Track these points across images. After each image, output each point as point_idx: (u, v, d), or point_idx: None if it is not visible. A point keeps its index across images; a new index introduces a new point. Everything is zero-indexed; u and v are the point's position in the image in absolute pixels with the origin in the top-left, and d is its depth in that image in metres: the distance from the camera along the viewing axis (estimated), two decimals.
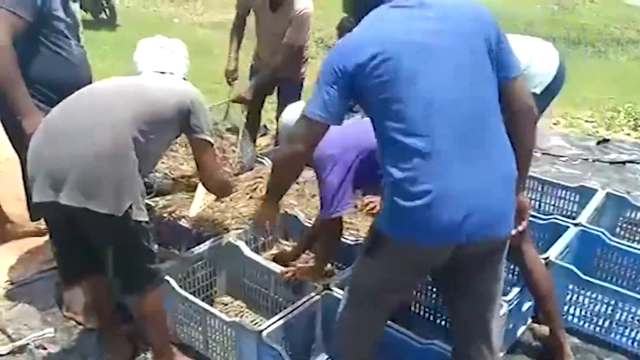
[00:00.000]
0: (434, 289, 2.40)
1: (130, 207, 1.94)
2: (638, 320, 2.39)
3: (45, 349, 2.43)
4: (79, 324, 2.55)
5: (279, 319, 2.13)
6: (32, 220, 2.87)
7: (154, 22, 8.39)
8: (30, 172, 2.01)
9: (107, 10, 8.11)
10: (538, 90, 2.52)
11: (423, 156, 1.52)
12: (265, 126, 4.41)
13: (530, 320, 2.55)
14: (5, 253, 3.06)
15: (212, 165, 2.28)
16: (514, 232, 1.72)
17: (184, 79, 2.30)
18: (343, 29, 3.36)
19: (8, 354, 2.38)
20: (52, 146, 1.97)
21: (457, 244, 1.58)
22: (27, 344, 2.43)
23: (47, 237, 3.05)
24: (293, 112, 2.21)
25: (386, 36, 1.56)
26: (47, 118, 2.08)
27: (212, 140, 2.23)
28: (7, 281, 2.86)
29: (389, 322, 2.07)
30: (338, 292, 2.22)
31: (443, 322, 2.42)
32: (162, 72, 2.24)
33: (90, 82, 2.47)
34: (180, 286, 2.36)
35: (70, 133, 1.96)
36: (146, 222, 2.03)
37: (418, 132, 1.53)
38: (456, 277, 1.73)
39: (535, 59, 2.51)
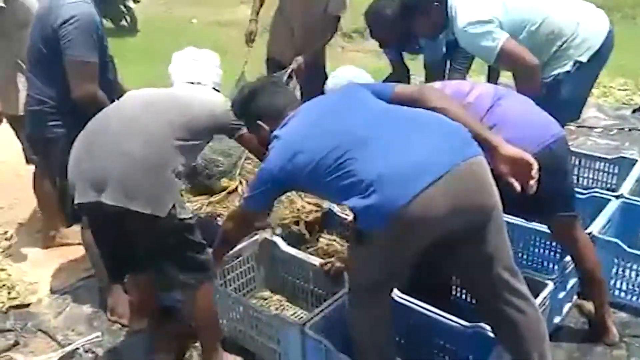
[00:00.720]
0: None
1: (174, 206, 2.01)
2: None
3: (93, 352, 2.48)
4: (125, 326, 2.60)
5: (321, 311, 2.13)
6: (66, 226, 2.93)
7: (172, 25, 8.45)
8: (71, 178, 2.10)
9: (127, 17, 8.24)
10: (584, 58, 2.47)
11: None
12: None
13: (576, 297, 2.51)
14: (47, 262, 3.13)
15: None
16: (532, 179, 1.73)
17: (216, 89, 2.39)
18: None
19: (59, 359, 2.44)
20: (92, 154, 2.07)
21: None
22: (77, 348, 2.49)
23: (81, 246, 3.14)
24: (349, 72, 2.42)
25: None
26: (86, 128, 2.16)
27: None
28: (51, 289, 2.93)
29: (431, 307, 2.08)
30: None
31: None
32: (193, 83, 2.33)
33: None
34: (221, 284, 2.39)
35: (110, 140, 2.05)
36: (190, 218, 2.10)
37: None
38: (458, 250, 1.75)
39: (582, 25, 2.45)
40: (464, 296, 2.45)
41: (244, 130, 2.25)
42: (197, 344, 2.39)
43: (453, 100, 1.87)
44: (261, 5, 3.91)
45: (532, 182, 1.76)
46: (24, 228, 3.45)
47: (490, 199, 1.69)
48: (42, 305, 2.81)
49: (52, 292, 2.91)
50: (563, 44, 2.50)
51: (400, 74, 3.44)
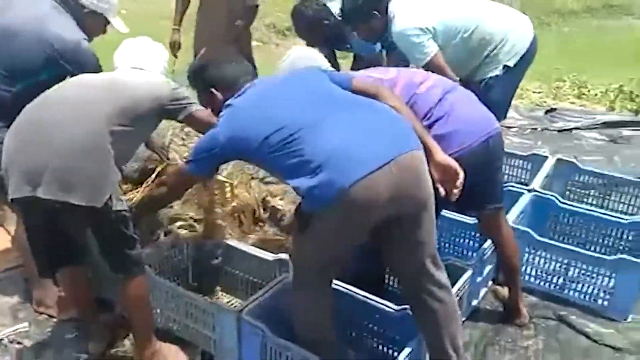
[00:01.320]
0: None
1: (110, 198, 1.98)
2: (589, 276, 2.57)
3: (20, 343, 2.42)
4: (52, 317, 2.56)
5: (257, 298, 2.20)
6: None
7: None
8: (5, 168, 2.03)
9: None
10: (512, 63, 2.68)
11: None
12: None
13: (491, 282, 2.71)
14: None
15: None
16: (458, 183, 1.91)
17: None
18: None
19: None
20: (26, 146, 2.00)
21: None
22: (1, 339, 2.43)
23: (9, 236, 3.04)
24: (303, 52, 2.43)
25: None
26: (20, 117, 2.09)
27: (196, 105, 2.27)
28: None
29: (364, 293, 2.19)
30: None
31: None
32: (137, 69, 2.28)
33: None
34: (157, 273, 2.40)
35: (45, 129, 1.99)
36: (125, 210, 2.08)
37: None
38: (391, 236, 1.87)
39: (511, 32, 2.64)
40: (397, 284, 2.58)
41: (192, 109, 2.23)
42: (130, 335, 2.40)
43: (403, 102, 2.00)
44: (183, 13, 3.91)
45: (455, 190, 1.93)
46: None
47: (425, 191, 1.82)
48: None
49: None
50: (494, 49, 2.72)
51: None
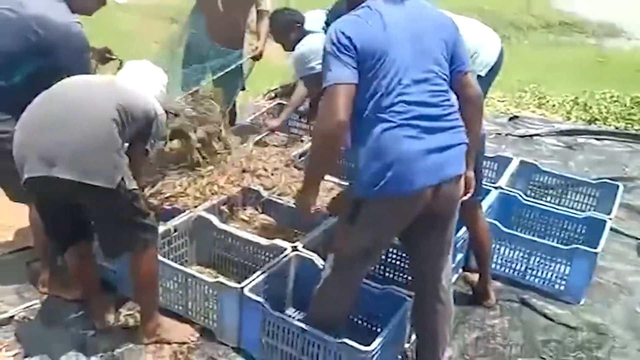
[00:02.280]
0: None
1: (122, 179, 2.16)
2: (547, 264, 2.90)
3: (30, 320, 2.57)
4: (58, 297, 2.69)
5: (257, 277, 2.43)
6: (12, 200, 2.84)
7: None
8: (21, 153, 2.16)
9: None
10: (483, 73, 2.93)
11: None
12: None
13: (461, 270, 3.02)
14: None
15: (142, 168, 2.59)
16: (464, 197, 2.13)
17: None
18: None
19: None
20: (42, 131, 2.14)
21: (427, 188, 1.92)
22: (12, 316, 2.57)
23: (10, 221, 3.18)
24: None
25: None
26: (32, 107, 2.23)
27: (150, 152, 2.53)
28: None
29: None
30: (306, 253, 2.55)
31: (392, 276, 2.82)
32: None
33: None
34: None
35: (56, 117, 2.14)
36: (136, 188, 2.26)
37: None
38: (420, 231, 2.08)
39: (482, 44, 2.91)
40: (377, 270, 2.85)
41: (147, 146, 2.44)
42: (132, 312, 2.60)
43: None
44: None
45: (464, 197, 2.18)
46: None
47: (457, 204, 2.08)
48: None
49: None
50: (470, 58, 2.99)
51: None
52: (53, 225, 2.38)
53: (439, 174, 1.91)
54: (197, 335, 2.51)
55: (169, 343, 2.45)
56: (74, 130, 2.11)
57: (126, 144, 2.37)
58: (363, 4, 1.95)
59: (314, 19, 3.70)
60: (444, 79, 1.99)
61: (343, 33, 1.87)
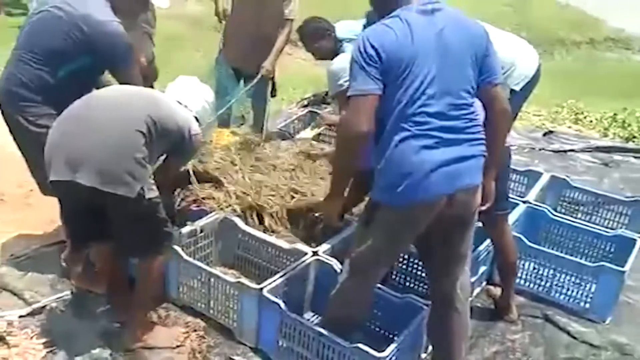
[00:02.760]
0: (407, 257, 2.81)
1: (142, 188, 2.23)
2: (573, 281, 2.85)
3: (62, 310, 2.68)
4: (88, 291, 2.78)
5: (277, 279, 2.47)
6: (44, 194, 2.95)
7: None
8: (50, 153, 2.27)
9: None
10: (518, 87, 2.92)
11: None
12: (242, 116, 4.71)
13: (485, 283, 2.99)
14: (6, 230, 3.26)
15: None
16: (482, 207, 2.14)
17: (196, 118, 2.58)
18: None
19: (27, 315, 2.62)
20: (70, 136, 2.24)
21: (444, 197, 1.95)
22: (44, 306, 2.68)
23: (48, 216, 3.31)
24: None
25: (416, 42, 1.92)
26: (68, 111, 2.33)
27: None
28: (13, 254, 3.07)
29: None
30: (326, 258, 2.58)
31: (413, 285, 2.83)
32: (180, 103, 2.54)
33: None
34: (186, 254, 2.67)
35: (87, 124, 2.24)
36: (157, 197, 2.34)
37: None
38: (435, 239, 2.10)
39: (520, 59, 2.90)
40: (398, 279, 2.87)
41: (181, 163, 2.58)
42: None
43: None
44: None
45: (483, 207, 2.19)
46: None
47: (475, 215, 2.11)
48: (4, 269, 2.94)
49: (14, 257, 3.04)
50: (504, 73, 2.98)
51: None
52: (74, 225, 2.49)
53: (454, 183, 1.93)
54: (182, 339, 2.54)
55: (152, 348, 2.48)
56: (101, 138, 2.20)
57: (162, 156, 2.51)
58: (393, 14, 1.96)
59: (344, 28, 3.74)
60: (469, 92, 2.00)
61: (370, 43, 1.90)
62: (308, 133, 3.60)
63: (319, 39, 3.76)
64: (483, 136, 2.02)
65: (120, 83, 2.61)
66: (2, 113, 2.70)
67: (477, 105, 2.07)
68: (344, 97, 2.67)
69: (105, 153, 2.19)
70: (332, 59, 3.97)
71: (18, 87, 2.57)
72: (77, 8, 2.50)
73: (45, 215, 3.28)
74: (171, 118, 2.39)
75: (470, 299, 2.79)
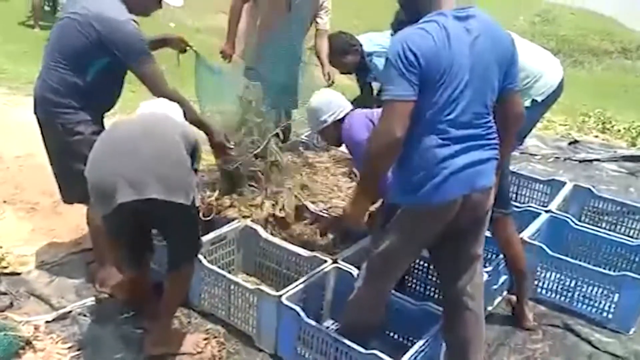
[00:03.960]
0: (426, 264, 2.81)
1: (193, 196, 2.31)
2: (595, 290, 2.81)
3: (86, 316, 2.75)
4: (112, 297, 2.85)
5: (296, 286, 2.50)
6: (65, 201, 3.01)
7: (148, 28, 8.60)
8: (107, 178, 2.24)
9: None
10: (540, 98, 2.93)
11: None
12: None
13: (506, 292, 2.97)
14: (36, 238, 3.37)
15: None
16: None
17: None
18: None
19: (53, 320, 2.69)
20: (125, 155, 2.26)
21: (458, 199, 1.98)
22: (70, 311, 2.75)
23: (75, 223, 3.41)
24: (322, 95, 2.77)
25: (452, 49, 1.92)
26: (110, 133, 2.40)
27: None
28: (41, 261, 3.16)
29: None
30: (345, 266, 2.60)
31: (431, 293, 2.83)
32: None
33: None
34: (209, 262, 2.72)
35: (137, 146, 2.27)
36: (198, 205, 2.45)
37: None
38: (450, 240, 2.12)
39: (544, 70, 2.92)
40: (418, 287, 2.88)
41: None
42: (179, 315, 2.72)
43: None
44: (236, 26, 4.04)
45: None
46: (13, 204, 3.68)
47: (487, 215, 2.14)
48: (32, 275, 3.04)
49: (42, 264, 3.13)
50: (527, 83, 2.98)
51: (365, 96, 4.00)
52: (128, 245, 2.52)
53: (471, 185, 1.99)
54: (203, 345, 2.57)
55: (174, 354, 2.51)
56: (156, 154, 2.25)
57: None
58: (430, 18, 1.95)
59: (370, 41, 3.79)
60: (492, 100, 2.04)
61: (410, 47, 1.89)
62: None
63: (346, 54, 3.83)
64: (497, 141, 2.07)
65: (142, 82, 2.66)
66: (38, 120, 2.78)
67: None
68: (327, 131, 2.78)
69: (162, 166, 2.24)
70: (355, 73, 4.05)
71: (49, 92, 2.66)
72: (91, 9, 2.55)
73: (73, 224, 3.39)
74: (188, 131, 2.45)
75: (490, 307, 2.82)
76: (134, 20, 2.60)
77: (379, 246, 2.12)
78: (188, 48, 3.17)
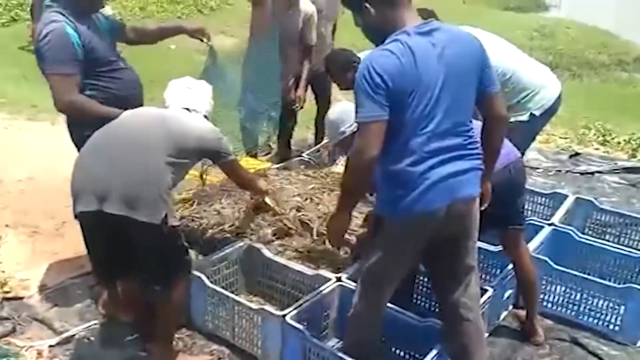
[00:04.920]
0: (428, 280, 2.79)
1: (166, 215, 2.29)
2: (601, 303, 2.79)
3: (89, 339, 2.73)
4: (115, 319, 2.83)
5: (300, 305, 2.49)
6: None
7: (149, 50, 8.71)
8: (77, 186, 2.35)
9: None
10: (538, 112, 2.98)
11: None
12: (269, 145, 4.80)
13: (511, 306, 2.95)
14: (38, 261, 3.37)
15: (244, 176, 2.76)
16: (481, 208, 2.18)
17: (206, 116, 2.61)
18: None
19: (57, 344, 2.68)
20: (96, 167, 2.33)
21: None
22: (74, 335, 2.74)
23: (79, 247, 3.40)
24: (340, 108, 2.84)
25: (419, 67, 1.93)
26: (90, 142, 2.42)
27: (235, 158, 2.66)
28: (44, 285, 3.15)
29: (392, 305, 2.46)
30: (349, 284, 2.58)
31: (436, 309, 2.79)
32: (187, 109, 2.54)
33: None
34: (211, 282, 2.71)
35: (111, 156, 2.32)
36: (178, 225, 2.43)
37: None
38: (442, 252, 2.14)
39: (543, 85, 2.95)
40: (423, 303, 2.87)
41: (231, 159, 2.60)
42: (182, 335, 2.72)
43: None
44: None
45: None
46: (15, 229, 3.67)
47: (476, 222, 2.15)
48: (35, 299, 3.03)
49: (44, 288, 3.12)
50: (525, 97, 3.02)
51: None
52: (100, 259, 2.54)
53: (452, 195, 2.00)
54: None
55: None
56: (126, 169, 2.28)
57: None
58: (393, 38, 1.96)
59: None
60: (470, 109, 2.06)
61: (375, 70, 1.91)
62: (340, 169, 3.66)
63: (347, 71, 3.85)
64: (480, 151, 2.09)
65: None
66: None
67: (476, 125, 2.14)
68: (345, 142, 2.83)
69: (129, 181, 2.26)
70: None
71: None
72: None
73: (75, 247, 3.35)
74: (186, 134, 2.43)
75: (496, 322, 2.80)
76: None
77: (370, 259, 2.15)
78: (204, 40, 3.17)
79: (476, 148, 2.07)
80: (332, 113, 2.96)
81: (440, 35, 1.98)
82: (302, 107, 4.37)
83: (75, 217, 2.37)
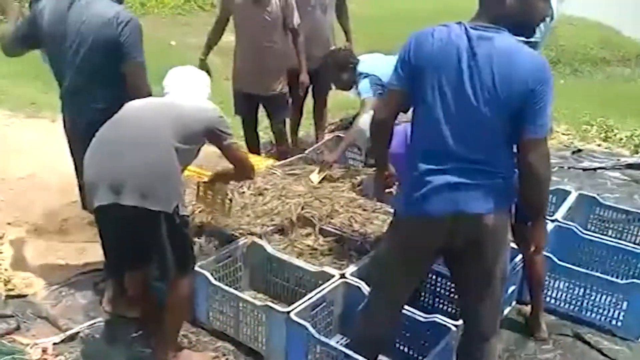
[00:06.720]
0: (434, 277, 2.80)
1: (177, 205, 2.32)
2: (604, 298, 2.80)
3: (94, 337, 2.74)
4: (120, 316, 2.85)
5: (304, 302, 2.50)
6: (84, 209, 3.02)
7: (150, 47, 8.72)
8: (91, 179, 2.36)
9: None
10: None
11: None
12: (272, 142, 4.81)
13: (515, 302, 2.96)
14: (40, 259, 3.38)
15: (244, 158, 2.75)
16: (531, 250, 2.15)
17: None
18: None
19: (61, 342, 2.68)
20: (108, 161, 2.34)
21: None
22: (78, 332, 2.75)
23: (81, 244, 3.43)
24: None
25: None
26: (99, 135, 2.43)
27: (236, 141, 2.67)
28: (47, 283, 3.16)
29: None
30: (353, 280, 2.59)
31: (441, 306, 2.81)
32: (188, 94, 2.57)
33: None
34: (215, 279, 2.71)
35: (122, 149, 2.33)
36: (187, 215, 2.44)
37: None
38: (460, 267, 2.12)
39: None
40: (430, 301, 2.86)
41: (232, 141, 2.59)
42: (187, 332, 2.72)
43: None
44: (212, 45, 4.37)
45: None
46: (17, 226, 3.69)
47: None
48: (39, 297, 3.04)
49: (48, 285, 3.13)
50: None
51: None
52: (114, 251, 2.55)
53: (456, 206, 1.92)
54: None
55: None
56: (137, 160, 2.29)
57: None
58: (448, 23, 1.94)
59: (367, 62, 3.81)
60: (504, 131, 1.90)
61: (410, 44, 1.98)
62: (315, 177, 3.63)
63: (345, 71, 3.86)
64: (504, 172, 1.96)
65: None
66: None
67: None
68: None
69: (142, 172, 2.27)
70: (350, 90, 4.08)
71: None
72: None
73: (78, 244, 3.40)
74: (190, 116, 2.44)
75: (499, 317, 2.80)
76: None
77: (376, 254, 2.22)
78: None
79: (500, 168, 1.94)
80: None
81: (489, 44, 1.86)
82: (306, 94, 4.36)
83: (94, 211, 2.39)
